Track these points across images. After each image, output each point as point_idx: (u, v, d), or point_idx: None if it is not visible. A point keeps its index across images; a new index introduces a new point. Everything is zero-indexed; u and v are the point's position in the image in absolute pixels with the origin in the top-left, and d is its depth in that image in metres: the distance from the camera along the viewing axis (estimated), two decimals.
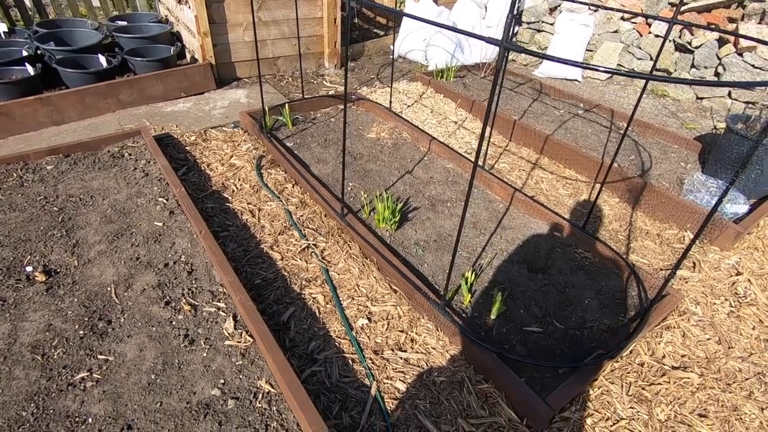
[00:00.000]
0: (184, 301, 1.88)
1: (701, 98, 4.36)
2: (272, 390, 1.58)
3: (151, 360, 1.64)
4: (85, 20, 4.37)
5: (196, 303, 1.88)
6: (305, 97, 3.74)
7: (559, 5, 5.17)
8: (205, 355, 1.67)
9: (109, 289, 1.91)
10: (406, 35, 5.03)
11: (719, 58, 4.16)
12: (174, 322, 1.78)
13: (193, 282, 1.98)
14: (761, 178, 2.75)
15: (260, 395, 1.56)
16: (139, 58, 3.73)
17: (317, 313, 1.96)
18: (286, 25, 4.15)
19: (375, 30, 5.98)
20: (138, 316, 1.80)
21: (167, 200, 2.47)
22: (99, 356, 1.64)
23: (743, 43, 3.98)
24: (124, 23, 4.30)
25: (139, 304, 1.85)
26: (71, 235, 2.19)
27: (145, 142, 2.97)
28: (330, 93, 4.01)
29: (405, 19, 4.97)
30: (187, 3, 3.77)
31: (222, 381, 1.59)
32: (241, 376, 1.61)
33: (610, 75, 4.77)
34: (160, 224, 2.30)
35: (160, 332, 1.74)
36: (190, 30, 3.94)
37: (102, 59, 3.74)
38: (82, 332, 1.71)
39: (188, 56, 4.31)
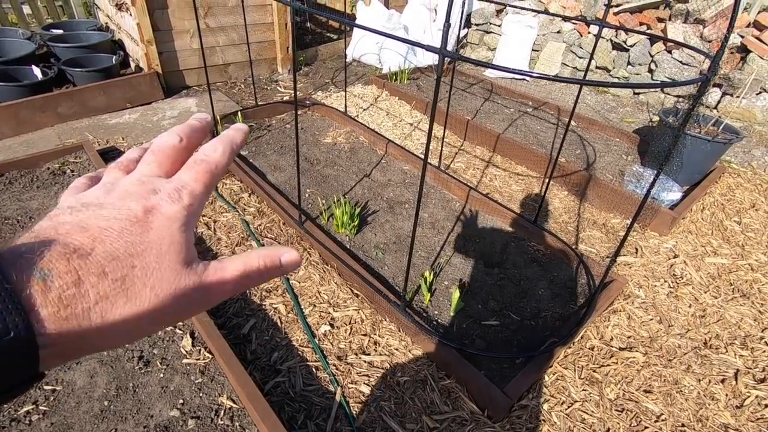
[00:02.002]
0: None
1: (638, 93, 4.66)
2: (234, 405, 1.55)
3: (104, 386, 1.57)
4: (16, 29, 4.10)
5: None
6: (259, 103, 3.68)
7: (505, 8, 5.37)
8: (162, 375, 1.62)
9: None
10: (359, 39, 5.06)
11: (651, 56, 4.46)
12: (127, 345, 1.71)
13: None
14: (686, 167, 2.97)
15: (222, 412, 1.53)
16: (78, 69, 3.55)
17: (279, 323, 1.94)
18: (236, 31, 4.08)
19: (328, 34, 5.97)
20: None
21: None
22: (45, 387, 1.55)
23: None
24: (60, 32, 4.08)
25: None
26: None
27: (88, 156, 2.83)
28: (284, 99, 3.97)
29: (357, 21, 4.99)
30: (127, 10, 3.63)
31: (181, 401, 1.54)
32: (201, 395, 1.57)
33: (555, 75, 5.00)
34: None
35: (111, 356, 1.67)
36: (133, 38, 3.79)
37: (36, 71, 3.53)
38: None
39: (132, 65, 4.14)
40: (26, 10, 4.78)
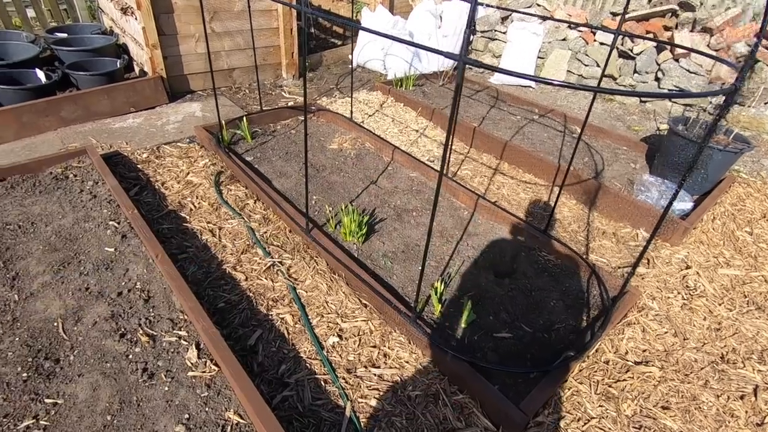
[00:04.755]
0: (141, 331, 1.76)
1: (645, 101, 4.64)
2: (241, 421, 1.50)
3: (106, 399, 1.52)
4: (20, 32, 4.08)
5: (155, 333, 1.76)
6: (264, 109, 3.65)
7: (510, 15, 5.36)
8: (166, 389, 1.57)
9: (55, 324, 1.76)
10: (364, 45, 5.04)
11: (658, 64, 4.44)
12: (131, 356, 1.67)
13: (151, 310, 1.86)
14: (706, 180, 2.94)
15: (229, 428, 1.48)
16: (82, 72, 3.52)
17: (286, 334, 1.89)
18: (241, 36, 4.06)
19: (332, 39, 5.96)
20: (90, 352, 1.67)
21: (118, 223, 2.32)
22: (46, 400, 1.50)
23: (678, 49, 4.27)
24: (65, 35, 4.06)
25: (91, 338, 1.72)
26: (10, 266, 2.01)
27: (92, 161, 2.79)
28: (289, 104, 3.95)
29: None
30: (133, 14, 3.60)
31: (186, 416, 1.49)
32: (207, 409, 1.52)
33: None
34: (112, 250, 2.15)
35: (115, 368, 1.62)
36: (138, 42, 3.76)
37: (40, 74, 3.50)
38: (25, 375, 1.57)
39: (137, 69, 4.11)
40: (30, 13, 4.76)
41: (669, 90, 4.27)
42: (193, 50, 3.86)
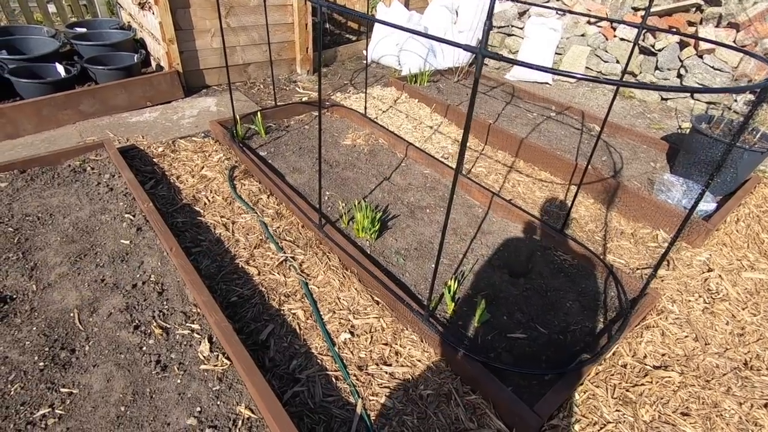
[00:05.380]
0: (154, 324, 1.77)
1: (666, 99, 4.51)
2: (252, 415, 1.50)
3: (120, 390, 1.53)
4: (41, 27, 4.14)
5: (168, 326, 1.77)
6: (278, 104, 3.65)
7: (528, 9, 5.27)
8: (179, 381, 1.58)
9: (71, 314, 1.78)
10: (378, 40, 5.01)
11: (681, 61, 4.32)
12: (144, 348, 1.68)
13: (164, 303, 1.87)
14: (721, 177, 2.85)
15: (240, 422, 1.47)
16: (100, 67, 3.56)
17: (298, 330, 1.89)
18: (256, 31, 4.06)
19: (347, 35, 5.94)
20: (104, 343, 1.68)
21: (134, 216, 2.34)
22: (62, 389, 1.52)
23: (703, 45, 4.14)
24: (84, 30, 4.11)
25: (106, 329, 1.74)
26: (28, 257, 2.04)
27: (108, 154, 2.82)
28: (303, 100, 3.94)
29: (377, 24, 4.95)
30: (150, 9, 3.63)
31: (198, 409, 1.50)
32: (218, 403, 1.52)
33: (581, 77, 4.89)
34: (127, 242, 2.17)
35: (129, 359, 1.63)
36: (155, 37, 3.79)
37: (60, 68, 3.55)
38: (42, 364, 1.59)
39: (153, 64, 4.15)
40: (51, 8, 4.84)
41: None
42: (208, 45, 3.88)
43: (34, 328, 1.72)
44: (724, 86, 3.97)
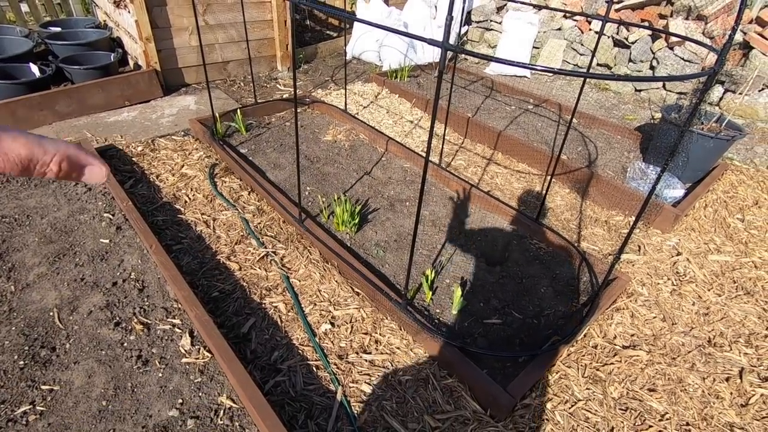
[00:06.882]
0: (135, 320, 1.79)
1: (639, 90, 4.63)
2: (234, 405, 1.53)
3: (102, 386, 1.55)
4: (14, 27, 4.07)
5: (149, 321, 1.79)
6: (258, 101, 3.66)
7: (506, 4, 5.34)
8: (160, 375, 1.60)
9: (51, 314, 1.79)
10: (358, 36, 5.03)
11: (653, 53, 4.43)
12: (125, 344, 1.70)
13: (145, 300, 1.89)
14: (688, 164, 2.95)
15: (221, 412, 1.51)
16: (76, 66, 3.52)
17: (279, 322, 1.92)
18: (234, 28, 4.05)
19: (328, 31, 5.94)
20: (85, 341, 1.70)
21: (113, 215, 2.35)
22: (42, 387, 1.53)
23: (673, 38, 4.26)
24: (58, 29, 4.05)
25: (86, 327, 1.75)
26: (6, 258, 2.03)
27: None
28: (284, 96, 3.95)
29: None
30: (126, 7, 3.60)
31: (180, 401, 1.53)
32: (200, 394, 1.55)
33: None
34: (107, 241, 2.18)
35: (110, 355, 1.65)
36: (132, 35, 3.76)
37: (34, 68, 3.50)
38: (22, 362, 1.60)
39: (131, 63, 4.11)
40: (24, 8, 4.75)
41: None
42: (186, 43, 3.86)
43: (13, 328, 1.72)
44: (694, 74, 4.09)
